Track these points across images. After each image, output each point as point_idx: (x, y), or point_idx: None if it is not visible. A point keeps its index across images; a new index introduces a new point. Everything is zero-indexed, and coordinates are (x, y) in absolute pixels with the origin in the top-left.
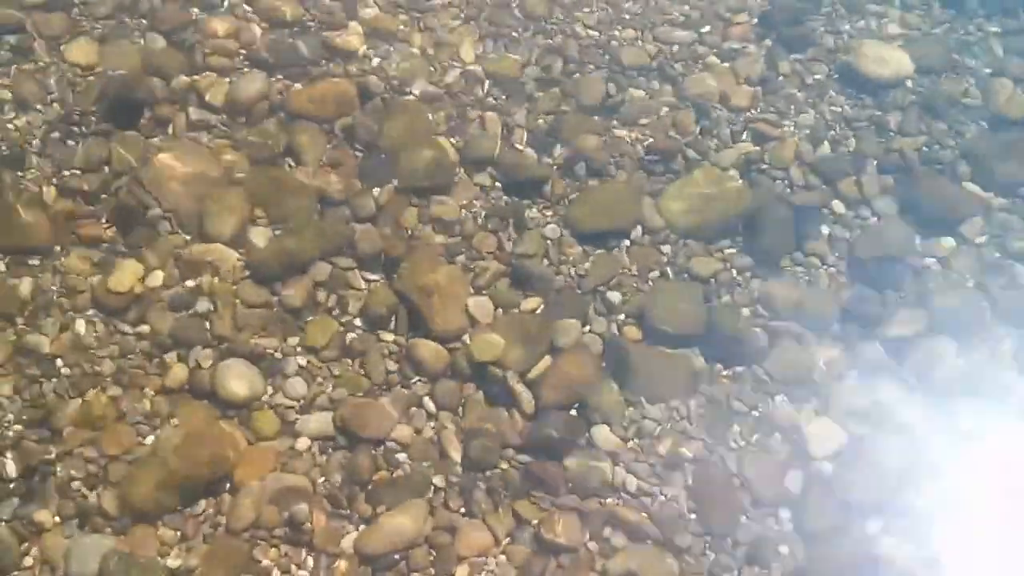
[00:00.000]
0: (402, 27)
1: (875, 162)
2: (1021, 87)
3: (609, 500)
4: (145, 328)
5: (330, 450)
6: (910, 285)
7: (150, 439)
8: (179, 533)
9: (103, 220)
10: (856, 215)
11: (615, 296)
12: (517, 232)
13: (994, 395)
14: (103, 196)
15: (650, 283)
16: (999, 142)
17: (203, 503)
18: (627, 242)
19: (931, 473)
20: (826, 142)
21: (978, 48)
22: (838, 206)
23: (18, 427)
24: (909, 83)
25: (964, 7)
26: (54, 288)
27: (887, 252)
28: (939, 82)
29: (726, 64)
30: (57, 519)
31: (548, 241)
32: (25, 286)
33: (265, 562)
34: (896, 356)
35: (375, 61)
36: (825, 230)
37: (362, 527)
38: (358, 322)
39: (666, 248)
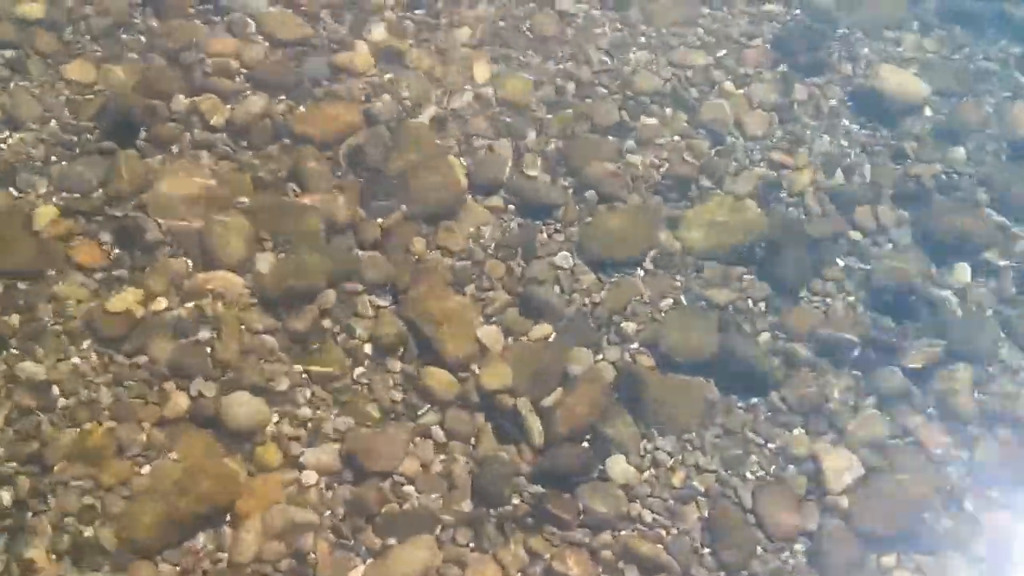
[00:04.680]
0: (411, 48)
1: (891, 190)
2: None
3: (623, 533)
4: (144, 357)
5: (336, 483)
6: (927, 314)
7: (147, 471)
8: (178, 568)
9: (101, 243)
10: (873, 243)
11: (629, 325)
12: (527, 259)
13: (1013, 424)
14: (101, 218)
15: (664, 311)
16: (1018, 168)
17: (203, 537)
18: (641, 270)
19: (949, 505)
20: (842, 169)
21: (997, 72)
22: (855, 234)
23: (11, 461)
24: (927, 108)
25: (983, 31)
26: (48, 314)
27: (904, 281)
28: (957, 107)
29: (741, 90)
30: (53, 556)
31: (560, 268)
32: (16, 311)
33: None
34: (914, 386)
35: (383, 83)
36: (841, 259)
37: (369, 561)
38: (366, 350)
39: (681, 276)
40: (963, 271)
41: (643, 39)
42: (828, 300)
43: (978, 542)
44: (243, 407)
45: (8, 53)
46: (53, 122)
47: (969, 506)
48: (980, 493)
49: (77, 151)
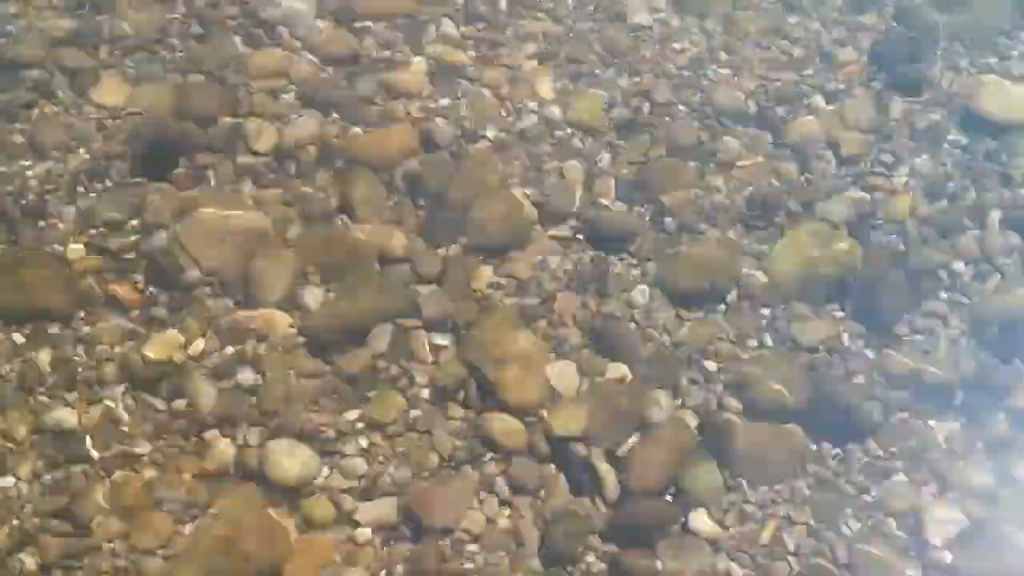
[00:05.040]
0: (472, 64)
1: (999, 215)
2: None
3: None
4: (182, 403)
5: (392, 540)
6: None
7: (189, 529)
8: None
9: (135, 282)
10: (978, 274)
11: (711, 365)
12: (601, 293)
13: None
14: (134, 255)
15: (751, 351)
16: None
17: None
18: (724, 305)
19: None
20: (944, 194)
21: None
22: (958, 265)
23: (38, 517)
24: None
25: None
26: (78, 358)
27: (1013, 315)
28: None
29: (832, 107)
30: None
31: (636, 304)
32: (46, 355)
33: None
34: (1023, 430)
35: (442, 102)
36: (944, 292)
37: None
38: (424, 394)
39: (767, 312)
40: None
41: (723, 54)
42: (930, 337)
43: None
44: (291, 457)
45: (35, 73)
46: (82, 149)
47: None
48: None
49: (109, 181)
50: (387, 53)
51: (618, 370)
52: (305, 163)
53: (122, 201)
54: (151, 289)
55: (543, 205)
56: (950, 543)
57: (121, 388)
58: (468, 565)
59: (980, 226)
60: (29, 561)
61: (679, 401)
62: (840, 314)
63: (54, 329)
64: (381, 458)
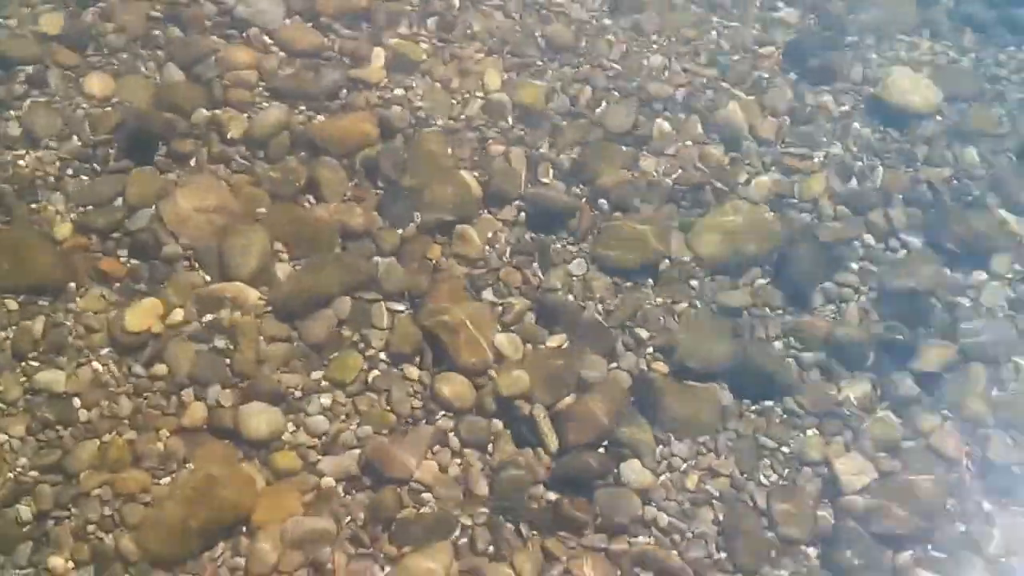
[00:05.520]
0: (425, 58)
1: (903, 195)
2: None
3: (639, 538)
4: (163, 367)
5: (354, 490)
6: (941, 318)
7: (167, 480)
8: None
9: (119, 257)
10: (886, 248)
11: (643, 331)
12: (543, 267)
13: None
14: (119, 232)
15: (678, 317)
16: None
17: (222, 546)
18: (654, 277)
19: (963, 506)
20: (854, 174)
21: (1008, 76)
22: (868, 239)
23: (33, 471)
24: (937, 113)
25: (994, 35)
26: (68, 326)
27: (917, 285)
28: (968, 111)
29: (753, 96)
30: (71, 564)
31: (574, 276)
32: (39, 324)
33: None
34: (927, 389)
35: (397, 93)
36: (855, 263)
37: (387, 568)
38: (383, 357)
39: (695, 282)
40: (976, 273)
41: (656, 46)
42: (841, 303)
43: (992, 543)
44: (260, 416)
45: (28, 69)
46: (74, 137)
47: (984, 507)
48: (994, 494)
49: (96, 166)
50: (349, 47)
51: (558, 337)
52: (274, 149)
53: (109, 184)
54: (134, 264)
55: (489, 186)
56: (860, 491)
57: (106, 352)
58: (423, 511)
59: (887, 204)
60: (24, 511)
61: (613, 364)
62: (761, 283)
63: (44, 300)
64: (344, 415)
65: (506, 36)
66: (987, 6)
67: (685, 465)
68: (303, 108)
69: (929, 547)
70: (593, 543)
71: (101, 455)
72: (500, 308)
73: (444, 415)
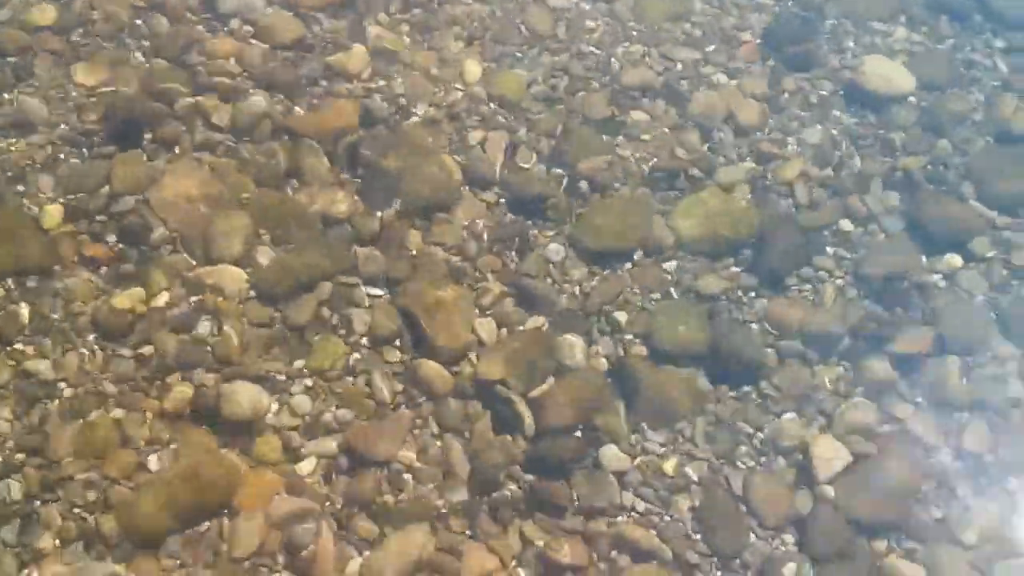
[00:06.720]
0: (406, 46)
1: (880, 180)
2: None
3: (616, 520)
4: (148, 350)
5: (334, 473)
6: (916, 303)
7: (152, 463)
8: (178, 562)
9: (106, 241)
10: (863, 232)
11: (620, 316)
12: (521, 252)
13: (1001, 412)
14: (106, 217)
15: (655, 302)
16: (1004, 158)
17: (205, 527)
18: (631, 262)
19: (938, 492)
20: (831, 160)
21: (983, 64)
22: (844, 224)
23: (20, 452)
24: (913, 100)
25: (970, 23)
26: (55, 310)
27: (893, 270)
28: (944, 98)
29: (732, 82)
30: (57, 543)
31: (552, 260)
32: (25, 308)
33: None
34: (903, 374)
35: (378, 81)
36: (831, 248)
37: (366, 551)
38: (364, 341)
39: (671, 267)
40: (952, 259)
41: (633, 34)
42: (818, 289)
43: (967, 529)
44: (243, 398)
45: (15, 59)
46: (62, 124)
47: (959, 493)
48: (969, 480)
49: (84, 152)
50: (331, 38)
51: (536, 320)
52: (258, 136)
53: (97, 169)
54: (121, 248)
55: (469, 172)
56: (836, 476)
57: (92, 335)
58: (403, 494)
59: (864, 189)
60: (15, 488)
61: (591, 348)
62: (737, 269)
63: (32, 283)
64: (325, 399)
65: (486, 23)
66: None
67: (663, 450)
68: (284, 96)
69: (903, 534)
70: (570, 525)
71: (86, 436)
72: (478, 292)
73: (424, 399)
